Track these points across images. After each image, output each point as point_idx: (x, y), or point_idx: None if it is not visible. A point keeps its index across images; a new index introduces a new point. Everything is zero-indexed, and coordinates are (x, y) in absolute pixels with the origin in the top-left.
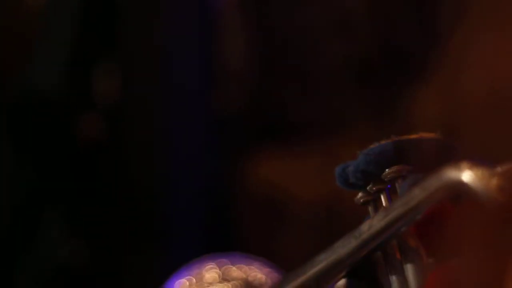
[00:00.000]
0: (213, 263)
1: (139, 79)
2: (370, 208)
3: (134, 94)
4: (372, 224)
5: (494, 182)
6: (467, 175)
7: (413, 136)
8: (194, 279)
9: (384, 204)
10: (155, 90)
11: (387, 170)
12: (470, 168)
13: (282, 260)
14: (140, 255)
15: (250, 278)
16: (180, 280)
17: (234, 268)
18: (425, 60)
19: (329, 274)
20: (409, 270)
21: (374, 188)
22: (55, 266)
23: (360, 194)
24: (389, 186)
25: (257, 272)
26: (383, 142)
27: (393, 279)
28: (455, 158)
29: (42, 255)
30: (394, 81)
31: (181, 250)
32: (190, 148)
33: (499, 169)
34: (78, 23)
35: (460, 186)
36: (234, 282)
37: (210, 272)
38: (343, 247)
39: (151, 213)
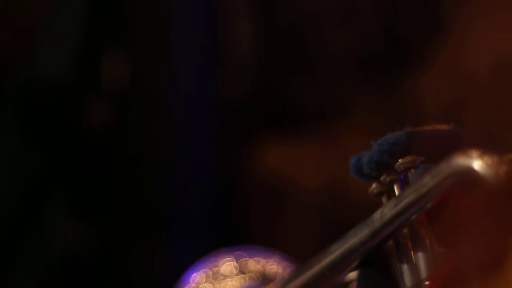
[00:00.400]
0: (230, 256)
1: (146, 65)
2: (383, 199)
3: (141, 81)
4: (384, 212)
5: (503, 169)
6: (477, 162)
7: (427, 128)
8: (210, 272)
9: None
10: (162, 77)
11: (400, 160)
12: (480, 156)
13: (286, 246)
14: (144, 241)
15: (267, 271)
16: (196, 273)
17: (251, 261)
18: (428, 48)
19: (343, 263)
20: (420, 258)
21: (387, 179)
22: (60, 252)
23: (374, 185)
24: (402, 176)
25: (274, 265)
26: (396, 132)
27: (405, 267)
28: (465, 146)
29: (47, 241)
30: (397, 69)
31: (185, 237)
32: (195, 135)
33: (508, 156)
34: (86, 10)
35: (470, 173)
36: (251, 274)
37: (227, 265)
38: (356, 236)
39: (156, 200)
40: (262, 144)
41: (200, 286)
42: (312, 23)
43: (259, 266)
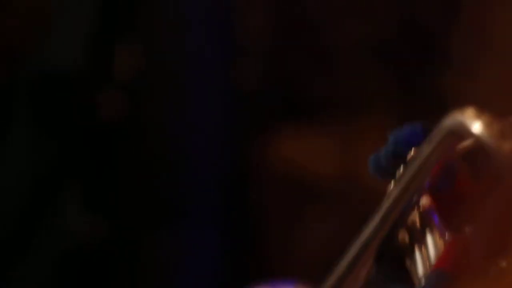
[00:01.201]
0: None
1: (159, 56)
2: None
3: (154, 71)
4: (390, 194)
5: (497, 127)
6: (470, 120)
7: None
8: None
9: None
10: (176, 67)
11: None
12: (474, 114)
13: (303, 240)
14: (157, 232)
15: None
16: None
17: None
18: (446, 39)
19: (360, 260)
20: (429, 246)
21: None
22: (72, 243)
23: (392, 183)
24: None
25: None
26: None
27: (416, 256)
28: None
29: (59, 231)
30: (415, 59)
31: (199, 228)
32: (210, 125)
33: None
34: (99, 1)
35: (464, 131)
36: None
37: None
38: (368, 227)
39: (169, 191)
40: (277, 134)
41: None
42: (328, 12)
43: None
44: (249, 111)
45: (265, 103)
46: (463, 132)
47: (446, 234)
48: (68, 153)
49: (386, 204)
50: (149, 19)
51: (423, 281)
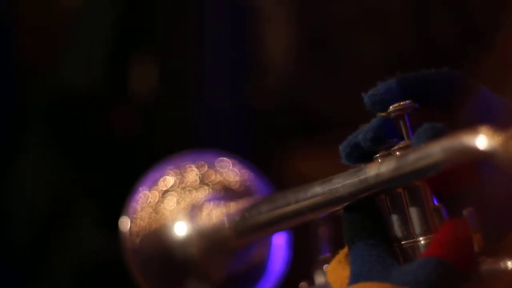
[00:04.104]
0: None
1: (174, 74)
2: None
3: (170, 89)
4: (381, 171)
5: None
6: (486, 143)
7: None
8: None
9: None
10: (190, 86)
11: (390, 107)
12: (490, 134)
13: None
14: None
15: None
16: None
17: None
18: (462, 56)
19: (326, 207)
20: (414, 212)
21: None
22: (88, 258)
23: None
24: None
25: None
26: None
27: (395, 218)
28: (463, 91)
29: (75, 246)
30: None
31: None
32: (224, 144)
33: None
34: (114, 19)
35: (481, 154)
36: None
37: (192, 174)
38: (344, 186)
39: None
40: (293, 154)
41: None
42: (344, 34)
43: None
44: (266, 131)
45: (281, 123)
46: (479, 155)
47: (436, 205)
48: (83, 169)
49: (375, 179)
50: (164, 38)
51: (409, 253)
